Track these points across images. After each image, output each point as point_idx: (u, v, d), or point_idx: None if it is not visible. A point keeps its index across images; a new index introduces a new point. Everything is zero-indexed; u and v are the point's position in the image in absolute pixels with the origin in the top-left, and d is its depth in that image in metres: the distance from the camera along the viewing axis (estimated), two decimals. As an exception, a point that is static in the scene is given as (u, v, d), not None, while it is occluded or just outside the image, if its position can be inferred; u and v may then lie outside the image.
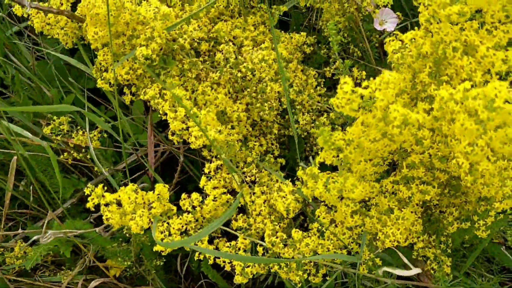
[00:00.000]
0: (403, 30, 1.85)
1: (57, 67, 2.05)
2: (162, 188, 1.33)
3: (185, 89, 1.49)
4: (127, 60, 1.44)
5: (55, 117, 1.75)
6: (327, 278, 1.38)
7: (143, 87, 1.49)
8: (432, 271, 1.38)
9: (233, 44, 1.57)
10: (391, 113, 0.96)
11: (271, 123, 1.62)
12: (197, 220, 1.37)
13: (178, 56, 1.48)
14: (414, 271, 1.21)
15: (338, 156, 1.12)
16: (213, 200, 1.36)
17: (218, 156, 1.32)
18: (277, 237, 1.34)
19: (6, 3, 1.56)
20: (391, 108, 0.96)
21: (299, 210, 1.55)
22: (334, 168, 1.25)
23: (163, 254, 1.34)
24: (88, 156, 1.78)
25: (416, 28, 1.10)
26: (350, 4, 1.67)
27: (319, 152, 1.14)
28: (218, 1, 1.59)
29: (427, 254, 1.37)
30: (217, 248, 1.38)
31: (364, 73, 1.65)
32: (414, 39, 1.07)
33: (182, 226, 1.34)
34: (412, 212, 1.22)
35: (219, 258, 1.36)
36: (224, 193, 1.38)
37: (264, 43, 1.55)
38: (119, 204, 1.32)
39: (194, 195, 1.37)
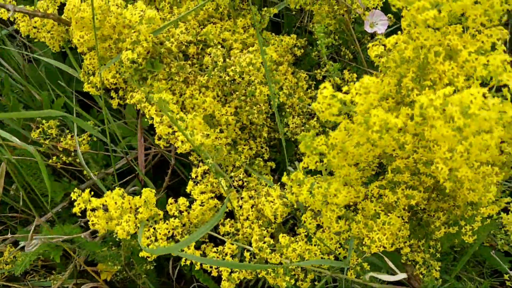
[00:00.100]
0: (395, 32, 1.83)
1: (49, 69, 2.04)
2: (148, 193, 1.32)
3: (173, 92, 1.48)
4: (114, 64, 1.43)
5: (44, 121, 1.74)
6: (316, 283, 1.37)
7: (131, 91, 1.49)
8: (421, 276, 1.37)
9: (222, 47, 1.56)
10: (371, 118, 0.95)
11: (260, 126, 1.62)
12: (184, 225, 1.36)
13: (166, 59, 1.47)
14: (400, 276, 1.20)
15: (322, 161, 1.11)
16: (200, 205, 1.35)
17: (205, 160, 1.31)
18: (264, 242, 1.33)
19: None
20: (371, 113, 0.95)
21: (290, 214, 1.54)
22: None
23: (149, 259, 1.33)
24: (78, 160, 1.77)
25: (399, 32, 1.09)
26: (340, 7, 1.66)
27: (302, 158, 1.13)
28: (207, 4, 1.58)
29: (416, 258, 1.36)
30: (204, 253, 1.37)
31: (355, 75, 1.64)
32: (397, 43, 1.06)
33: (169, 231, 1.33)
34: (398, 216, 1.21)
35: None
36: (211, 198, 1.37)
37: (253, 45, 1.54)
38: (107, 209, 1.31)
39: (181, 199, 1.36)
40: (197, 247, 1.37)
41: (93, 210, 1.30)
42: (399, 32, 1.09)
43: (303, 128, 1.60)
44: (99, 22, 1.36)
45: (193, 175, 1.41)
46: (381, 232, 1.21)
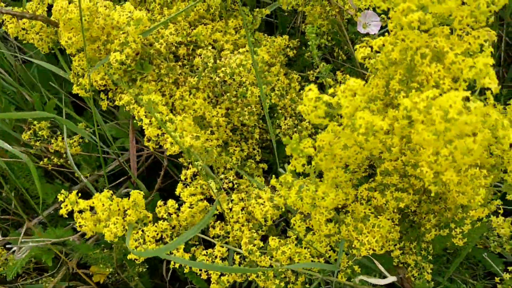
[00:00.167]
0: (388, 33, 1.82)
1: (41, 71, 2.03)
2: (137, 195, 1.31)
3: (163, 94, 1.47)
4: (103, 66, 1.43)
5: (35, 122, 1.73)
6: (307, 286, 1.36)
7: (120, 93, 1.48)
8: (412, 278, 1.36)
9: (214, 48, 1.55)
10: (357, 120, 0.94)
11: (252, 127, 1.61)
12: (174, 228, 1.36)
13: (156, 60, 1.47)
14: (390, 279, 1.19)
15: (310, 163, 1.10)
16: (189, 207, 1.34)
17: (194, 162, 1.31)
18: (254, 245, 1.32)
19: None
20: (356, 115, 0.94)
21: (283, 217, 1.53)
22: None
23: (137, 262, 1.32)
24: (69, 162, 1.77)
25: (386, 34, 1.08)
26: (332, 8, 1.65)
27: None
28: (198, 5, 1.57)
29: (408, 260, 1.35)
30: (193, 256, 1.37)
31: (348, 76, 1.63)
32: (384, 45, 1.05)
33: (158, 234, 1.32)
34: (388, 219, 1.20)
35: (195, 266, 1.34)
36: (201, 200, 1.37)
37: (245, 46, 1.53)
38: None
39: (170, 202, 1.35)
40: (187, 250, 1.36)
41: (80, 212, 1.29)
42: (386, 33, 1.08)
43: (295, 129, 1.59)
44: (87, 24, 1.35)
45: (183, 177, 1.40)
46: (370, 235, 1.20)
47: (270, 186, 1.39)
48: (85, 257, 1.74)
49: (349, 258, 1.31)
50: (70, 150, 1.70)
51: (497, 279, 1.35)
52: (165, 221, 1.34)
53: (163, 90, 1.48)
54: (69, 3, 1.35)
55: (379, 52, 1.11)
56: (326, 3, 1.66)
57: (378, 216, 1.21)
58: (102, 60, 1.38)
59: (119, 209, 1.31)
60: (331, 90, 0.98)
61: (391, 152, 1.00)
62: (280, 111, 1.61)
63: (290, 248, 1.29)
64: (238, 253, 1.35)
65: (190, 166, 1.42)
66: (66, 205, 1.29)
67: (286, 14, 1.96)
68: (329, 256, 1.30)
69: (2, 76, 1.91)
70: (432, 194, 0.95)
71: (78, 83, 1.49)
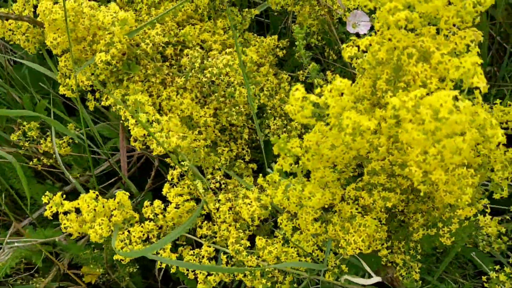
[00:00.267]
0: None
1: (32, 71, 2.02)
2: (122, 196, 1.31)
3: (150, 94, 1.47)
4: (89, 66, 1.42)
5: (25, 123, 1.73)
6: (295, 285, 1.36)
7: (107, 93, 1.47)
8: (400, 278, 1.36)
9: (202, 48, 1.54)
10: (344, 120, 0.94)
11: (241, 127, 1.60)
12: (161, 228, 1.35)
13: (143, 61, 1.46)
14: (375, 279, 1.19)
15: (297, 162, 1.10)
16: (175, 208, 1.34)
17: (181, 163, 1.30)
18: (241, 245, 1.32)
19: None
20: (343, 115, 0.94)
21: (274, 218, 1.53)
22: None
23: (123, 262, 1.32)
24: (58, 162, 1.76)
25: (373, 33, 1.08)
26: (321, 8, 1.65)
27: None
28: (186, 5, 1.56)
29: (396, 260, 1.35)
30: (181, 256, 1.36)
31: (337, 76, 1.63)
32: (371, 44, 1.05)
33: (144, 234, 1.32)
34: (375, 218, 1.20)
35: (182, 266, 1.34)
36: (187, 200, 1.36)
37: (233, 47, 1.53)
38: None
39: (156, 202, 1.35)
40: (175, 250, 1.36)
41: (65, 213, 1.28)
42: (372, 33, 1.08)
43: (284, 129, 1.59)
44: (73, 24, 1.35)
45: (169, 178, 1.40)
46: (357, 234, 1.20)
47: (258, 186, 1.38)
48: (76, 258, 1.73)
49: (337, 258, 1.31)
50: (60, 150, 1.69)
51: (484, 278, 1.34)
52: (151, 221, 1.33)
53: (150, 90, 1.47)
54: (54, 4, 1.34)
55: (366, 51, 1.11)
56: (315, 3, 1.65)
57: (365, 216, 1.21)
58: (88, 61, 1.37)
59: (105, 210, 1.30)
60: (318, 90, 0.97)
61: (378, 152, 1.00)
62: (270, 111, 1.60)
63: (276, 247, 1.29)
64: (225, 253, 1.35)
65: (177, 166, 1.41)
66: (51, 207, 1.28)
67: (276, 14, 1.96)
68: (317, 256, 1.30)
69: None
70: (422, 194, 0.95)
71: (65, 84, 1.48)
